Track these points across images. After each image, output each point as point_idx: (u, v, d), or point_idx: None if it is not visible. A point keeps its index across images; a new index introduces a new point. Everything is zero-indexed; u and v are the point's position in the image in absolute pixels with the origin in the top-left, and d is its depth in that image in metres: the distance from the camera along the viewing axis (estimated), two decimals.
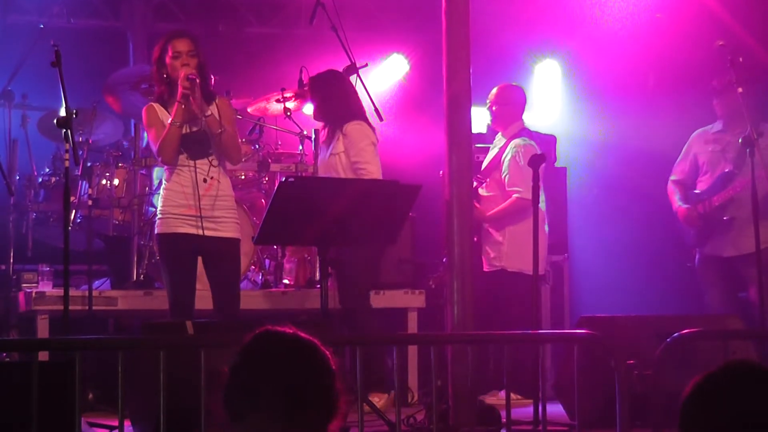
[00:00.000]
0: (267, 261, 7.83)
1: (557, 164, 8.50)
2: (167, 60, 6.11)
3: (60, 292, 6.21)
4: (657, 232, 8.42)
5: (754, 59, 7.71)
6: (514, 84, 7.93)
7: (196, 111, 6.06)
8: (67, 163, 5.97)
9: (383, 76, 9.62)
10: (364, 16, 9.92)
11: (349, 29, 7.59)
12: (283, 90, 7.95)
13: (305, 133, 7.83)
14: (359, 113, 6.93)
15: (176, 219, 6.12)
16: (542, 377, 5.47)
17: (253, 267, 7.64)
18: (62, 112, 6.03)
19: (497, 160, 7.61)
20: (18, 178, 7.98)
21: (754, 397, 2.11)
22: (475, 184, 7.08)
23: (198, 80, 6.02)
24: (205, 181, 6.12)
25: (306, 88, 7.36)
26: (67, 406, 4.24)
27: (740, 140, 7.06)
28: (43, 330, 7.02)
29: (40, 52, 7.30)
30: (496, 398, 7.05)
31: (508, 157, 7.52)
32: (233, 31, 9.99)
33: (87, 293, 7.05)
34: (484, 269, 7.54)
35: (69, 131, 5.86)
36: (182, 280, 6.15)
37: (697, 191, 7.63)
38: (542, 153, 6.46)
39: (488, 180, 7.63)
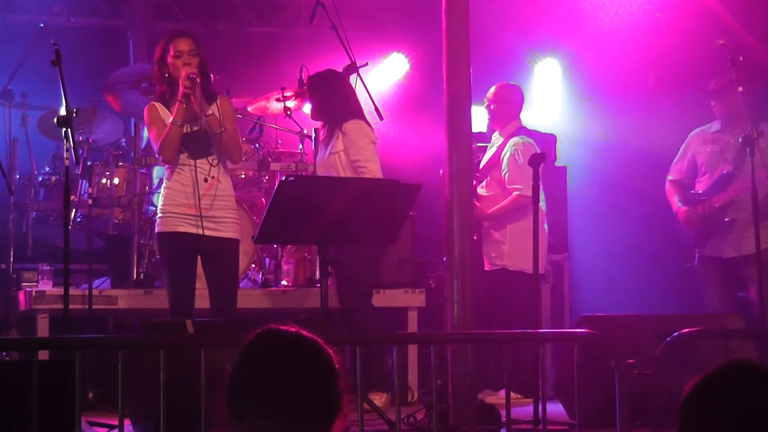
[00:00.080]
0: (267, 260, 7.83)
1: (557, 163, 8.51)
2: (169, 59, 6.12)
3: (60, 291, 6.21)
4: (657, 232, 8.42)
5: (755, 58, 7.71)
6: (512, 83, 7.94)
7: (197, 110, 6.06)
8: (67, 162, 5.97)
9: (383, 76, 9.62)
10: (365, 16, 9.91)
11: (350, 28, 7.58)
12: (283, 89, 7.96)
13: (305, 132, 7.84)
14: (358, 112, 6.93)
15: (176, 218, 6.12)
16: (542, 376, 5.48)
17: (253, 266, 7.64)
18: (62, 111, 6.03)
19: (496, 159, 7.62)
20: (18, 177, 7.99)
21: (753, 397, 2.11)
22: (473, 183, 7.08)
23: (199, 79, 6.03)
24: (206, 180, 6.12)
25: (305, 88, 7.36)
26: (67, 406, 4.24)
27: (740, 139, 7.06)
28: (43, 329, 7.02)
29: (40, 51, 7.31)
30: (495, 397, 7.06)
31: (507, 155, 7.53)
32: (233, 30, 9.99)
33: (87, 292, 7.05)
34: (485, 268, 7.54)
35: (69, 130, 5.86)
36: (182, 279, 6.16)
37: (696, 192, 7.62)
38: (542, 152, 6.46)
39: (488, 178, 7.63)
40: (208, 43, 6.77)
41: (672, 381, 4.07)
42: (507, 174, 7.51)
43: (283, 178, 6.17)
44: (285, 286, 7.60)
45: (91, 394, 6.85)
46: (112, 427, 5.71)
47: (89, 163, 7.66)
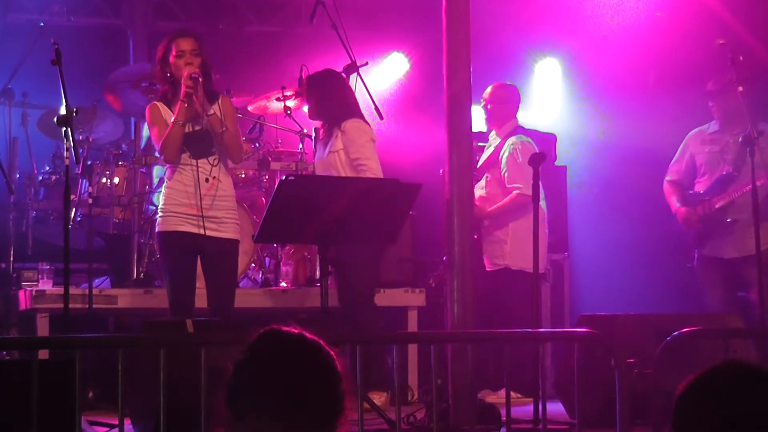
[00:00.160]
0: (267, 259, 7.83)
1: (557, 163, 8.51)
2: (171, 59, 6.13)
3: (60, 290, 6.21)
4: (657, 231, 8.41)
5: (755, 58, 7.71)
6: (508, 83, 7.94)
7: (199, 110, 6.06)
8: (67, 162, 5.97)
9: (384, 75, 9.62)
10: (365, 15, 9.91)
11: (350, 28, 7.58)
12: (283, 88, 7.96)
13: (305, 131, 7.84)
14: (356, 111, 6.93)
15: (177, 217, 6.13)
16: (542, 376, 5.48)
17: (253, 265, 7.64)
18: (62, 111, 6.03)
19: (493, 158, 7.62)
20: (18, 176, 7.99)
21: (746, 397, 2.10)
22: None
23: (201, 79, 6.03)
24: (207, 180, 6.13)
25: (304, 88, 7.36)
26: (67, 405, 4.24)
27: (740, 139, 7.05)
28: (43, 328, 7.02)
29: (40, 51, 7.31)
30: (495, 397, 7.06)
31: (506, 154, 7.54)
32: (233, 29, 9.99)
33: (87, 291, 7.05)
34: (487, 269, 7.54)
35: (69, 129, 5.86)
36: (182, 279, 6.16)
37: (695, 192, 7.61)
38: (542, 152, 6.46)
39: (489, 177, 7.63)
40: (209, 42, 6.76)
41: (672, 380, 4.05)
42: (506, 173, 7.52)
43: (283, 178, 6.18)
44: (284, 287, 7.59)
45: (91, 394, 6.85)
46: (112, 426, 5.71)
47: (89, 163, 7.66)
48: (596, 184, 9.31)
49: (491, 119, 7.73)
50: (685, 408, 2.15)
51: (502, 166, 7.55)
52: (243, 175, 7.81)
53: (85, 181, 7.57)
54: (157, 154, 7.48)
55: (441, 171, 6.37)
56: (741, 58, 7.02)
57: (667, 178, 7.78)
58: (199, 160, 6.13)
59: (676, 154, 7.78)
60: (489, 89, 7.71)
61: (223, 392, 2.29)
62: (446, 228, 6.11)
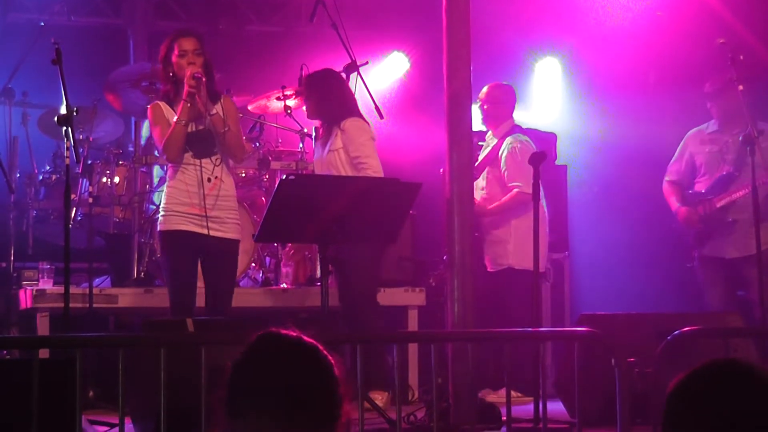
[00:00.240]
0: (267, 258, 7.83)
1: (558, 162, 8.50)
2: (173, 58, 6.13)
3: (60, 289, 6.21)
4: (657, 230, 8.42)
5: (755, 57, 7.71)
6: (504, 83, 7.94)
7: (202, 110, 6.07)
8: (67, 161, 5.97)
9: (384, 74, 9.62)
10: (365, 14, 9.91)
11: (350, 27, 7.58)
12: (283, 88, 7.96)
13: (305, 130, 7.84)
14: (355, 110, 6.94)
15: (180, 216, 6.13)
16: (543, 375, 5.47)
17: (253, 265, 7.64)
18: (63, 110, 6.03)
19: (491, 157, 7.63)
20: (18, 175, 7.99)
21: (735, 396, 2.10)
22: None
23: (204, 79, 6.03)
24: (209, 180, 6.13)
25: (303, 87, 7.36)
26: (67, 404, 4.23)
27: (740, 138, 7.05)
28: (43, 327, 7.02)
29: (40, 50, 7.31)
30: (496, 396, 7.06)
31: (505, 153, 7.55)
32: (234, 28, 9.99)
33: (87, 291, 7.05)
34: (489, 270, 7.54)
35: (69, 129, 5.86)
36: (184, 278, 6.16)
37: (695, 192, 7.60)
38: (542, 151, 6.46)
39: (488, 176, 7.64)
40: (209, 41, 6.76)
41: (673, 380, 4.07)
42: (506, 171, 7.53)
43: (284, 177, 6.17)
44: (284, 288, 7.59)
45: (91, 393, 6.85)
46: (112, 425, 5.71)
47: (90, 162, 7.66)
48: (596, 183, 9.31)
49: (488, 119, 7.75)
50: (675, 406, 2.15)
51: (501, 164, 7.56)
52: (243, 175, 7.81)
53: (85, 180, 7.57)
54: (156, 153, 7.50)
55: (441, 170, 6.37)
56: (741, 57, 7.02)
57: (667, 178, 7.77)
58: (202, 160, 6.14)
59: (675, 154, 7.78)
60: (485, 89, 7.72)
61: (220, 392, 2.29)
62: (446, 227, 6.11)
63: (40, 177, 7.88)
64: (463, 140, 6.14)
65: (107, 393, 6.72)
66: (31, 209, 7.81)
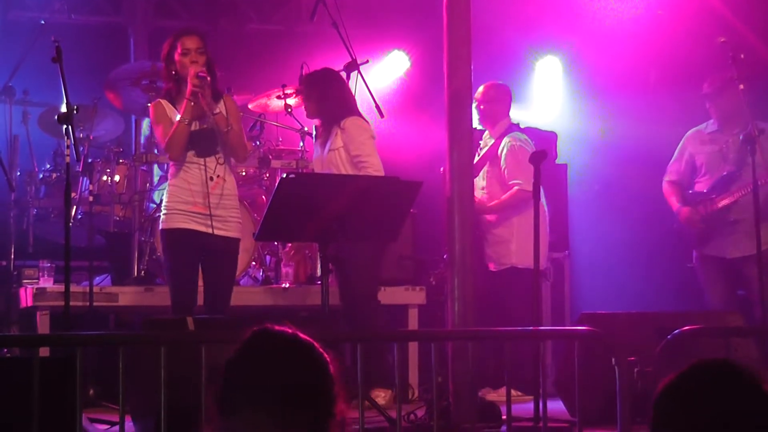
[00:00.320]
0: (267, 257, 7.83)
1: (558, 161, 8.51)
2: (176, 57, 6.13)
3: (61, 288, 6.21)
4: (658, 229, 8.41)
5: (756, 56, 7.70)
6: (500, 82, 7.94)
7: (206, 109, 6.07)
8: (68, 159, 5.97)
9: (384, 73, 9.62)
10: (365, 13, 9.91)
11: (350, 26, 7.58)
12: (283, 86, 7.96)
13: (306, 129, 7.84)
14: (355, 109, 6.94)
15: (182, 215, 6.13)
16: (543, 374, 5.47)
17: (253, 263, 7.64)
18: (63, 108, 6.03)
19: (489, 157, 7.63)
20: (19, 174, 7.99)
21: (723, 397, 2.10)
22: None
23: (209, 78, 6.04)
24: (211, 179, 6.13)
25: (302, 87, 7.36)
26: (67, 402, 4.24)
27: (741, 137, 7.04)
28: (43, 326, 7.02)
29: (41, 48, 7.31)
30: (496, 395, 7.06)
31: (505, 151, 7.56)
32: (234, 27, 9.99)
33: (88, 289, 7.05)
34: (491, 269, 7.54)
35: (70, 127, 5.86)
36: (185, 277, 6.16)
37: (696, 192, 7.59)
38: (543, 150, 6.45)
39: (488, 175, 7.64)
40: (209, 40, 6.76)
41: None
42: (506, 169, 7.54)
43: (284, 176, 6.18)
44: (285, 287, 7.59)
45: (91, 391, 6.85)
46: (112, 423, 5.72)
47: (90, 160, 7.66)
48: (597, 182, 9.31)
49: (484, 119, 7.75)
50: (664, 406, 2.15)
51: (501, 163, 7.57)
52: (243, 173, 7.81)
53: (85, 178, 7.57)
54: (156, 151, 7.50)
55: (442, 169, 6.37)
56: (742, 56, 7.01)
57: (667, 178, 7.76)
58: (206, 159, 6.14)
59: (675, 154, 7.76)
60: (480, 89, 7.72)
61: (214, 388, 2.29)
62: (447, 226, 6.11)
63: (41, 175, 7.88)
64: (463, 139, 6.14)
65: (107, 391, 6.72)
66: (31, 207, 7.81)
